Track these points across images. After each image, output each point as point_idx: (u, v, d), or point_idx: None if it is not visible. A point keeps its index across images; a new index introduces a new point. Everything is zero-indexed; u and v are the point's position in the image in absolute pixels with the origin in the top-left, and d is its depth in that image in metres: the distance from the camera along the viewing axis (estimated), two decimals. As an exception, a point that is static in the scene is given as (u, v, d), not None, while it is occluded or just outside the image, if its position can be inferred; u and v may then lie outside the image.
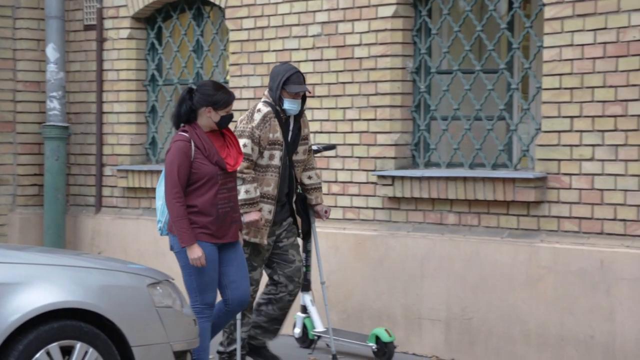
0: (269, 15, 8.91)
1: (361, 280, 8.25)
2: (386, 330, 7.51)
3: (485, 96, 7.88)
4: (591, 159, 7.22)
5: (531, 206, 7.48)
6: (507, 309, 7.51)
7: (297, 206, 7.22)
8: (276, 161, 6.98)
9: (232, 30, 9.17)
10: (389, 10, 8.18)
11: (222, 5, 9.22)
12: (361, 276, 8.25)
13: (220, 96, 6.48)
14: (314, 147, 7.71)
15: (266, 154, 6.96)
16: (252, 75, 9.05)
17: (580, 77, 7.25)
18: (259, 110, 6.98)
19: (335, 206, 8.44)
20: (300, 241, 7.35)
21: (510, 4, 7.77)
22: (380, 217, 8.30)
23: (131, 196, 9.98)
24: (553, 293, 7.29)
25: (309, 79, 8.22)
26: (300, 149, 7.15)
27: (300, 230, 7.27)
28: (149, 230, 9.59)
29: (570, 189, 7.32)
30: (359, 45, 8.36)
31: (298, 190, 7.22)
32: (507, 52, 7.88)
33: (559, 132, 7.38)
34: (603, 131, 7.17)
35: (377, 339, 7.47)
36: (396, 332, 7.80)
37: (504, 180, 7.56)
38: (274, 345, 7.48)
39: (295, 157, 7.12)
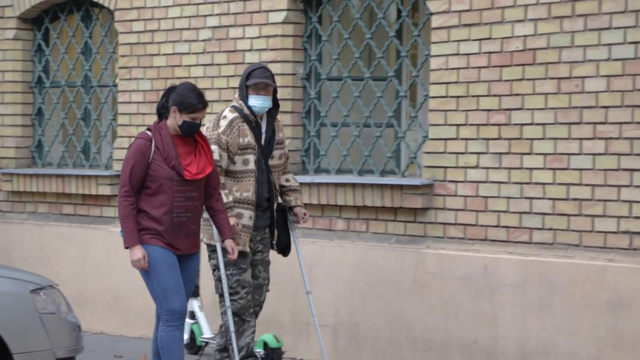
0: (159, 19, 8.97)
1: (250, 286, 8.37)
2: (274, 336, 7.63)
3: (374, 103, 8.07)
4: (476, 167, 7.46)
5: (418, 213, 7.69)
6: (394, 315, 7.70)
7: (277, 217, 7.08)
8: (251, 166, 6.88)
9: (122, 33, 9.20)
10: (279, 16, 8.32)
11: (111, 8, 9.25)
12: (250, 282, 8.37)
13: (189, 100, 6.33)
14: None
15: (238, 159, 6.86)
16: (142, 79, 9.09)
17: (466, 85, 7.49)
18: (224, 117, 6.88)
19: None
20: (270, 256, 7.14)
21: (399, 12, 7.98)
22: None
23: (16, 200, 9.92)
24: (438, 298, 7.51)
25: (200, 84, 8.30)
26: (276, 153, 7.04)
27: (274, 242, 7.10)
28: (34, 235, 9.56)
29: (455, 196, 7.55)
30: (250, 50, 8.48)
31: (278, 200, 7.10)
32: (395, 60, 8.08)
33: (445, 139, 7.61)
34: (487, 139, 7.42)
35: (265, 345, 7.59)
36: (284, 338, 7.93)
37: (392, 187, 7.76)
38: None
39: (271, 162, 7.01)
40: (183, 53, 8.84)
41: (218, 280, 6.94)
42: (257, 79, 6.86)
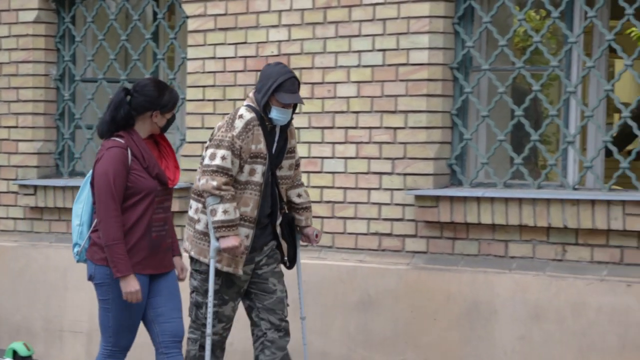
0: None
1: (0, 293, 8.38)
2: (24, 344, 7.66)
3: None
4: (232, 170, 7.74)
5: (175, 216, 7.89)
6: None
7: (283, 229, 6.37)
8: (257, 177, 6.12)
9: None
10: (30, 15, 8.35)
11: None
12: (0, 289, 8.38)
13: (167, 98, 5.78)
14: None
15: (246, 168, 6.10)
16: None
17: (223, 89, 7.76)
18: (241, 117, 6.10)
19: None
20: (283, 269, 6.46)
21: (155, 14, 8.18)
22: (21, 228, 8.45)
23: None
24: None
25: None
26: (286, 163, 6.29)
27: (286, 258, 6.40)
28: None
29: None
30: None
31: (284, 211, 6.40)
32: (152, 62, 8.27)
33: (202, 142, 7.84)
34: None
35: (15, 354, 7.61)
36: (36, 346, 7.97)
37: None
38: None
39: (279, 173, 6.27)
40: None
41: (195, 305, 6.25)
42: (289, 95, 6.10)
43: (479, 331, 6.72)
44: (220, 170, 6.00)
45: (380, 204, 7.19)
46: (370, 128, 7.18)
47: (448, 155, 7.05)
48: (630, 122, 6.48)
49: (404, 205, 7.06)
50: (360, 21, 7.19)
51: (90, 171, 5.89)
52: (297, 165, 6.40)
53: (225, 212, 5.99)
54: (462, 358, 6.79)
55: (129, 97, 5.78)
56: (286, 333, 6.28)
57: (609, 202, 6.35)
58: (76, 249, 5.83)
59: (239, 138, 6.04)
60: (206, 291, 6.15)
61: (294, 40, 7.46)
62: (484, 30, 6.95)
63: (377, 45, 7.14)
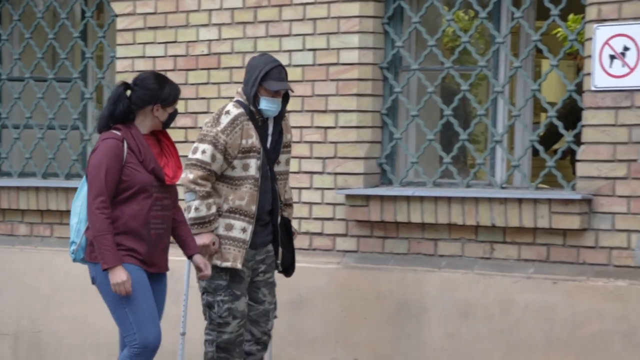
0: None
1: None
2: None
3: (58, 105, 8.21)
4: (162, 170, 7.78)
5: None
6: (79, 320, 7.89)
7: (281, 232, 6.28)
8: (252, 171, 6.05)
9: None
10: (-45, 13, 8.34)
11: None
12: None
13: (168, 90, 5.69)
14: None
15: (239, 163, 6.04)
16: None
17: (152, 88, 7.79)
18: (227, 112, 6.05)
19: None
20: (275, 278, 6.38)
21: (83, 13, 8.18)
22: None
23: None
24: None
25: None
26: (283, 157, 6.23)
27: (279, 261, 6.30)
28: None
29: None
30: None
31: (282, 211, 6.31)
32: (80, 61, 8.27)
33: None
34: (175, 142, 7.73)
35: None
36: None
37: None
38: None
39: (277, 168, 6.20)
40: None
41: (207, 306, 6.15)
42: (277, 82, 6.07)
43: (408, 329, 6.82)
44: (198, 164, 5.97)
45: (311, 204, 7.26)
46: (301, 127, 7.25)
47: (378, 155, 7.15)
48: (556, 122, 6.63)
49: (334, 204, 7.15)
50: (291, 21, 7.26)
51: None
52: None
53: (196, 209, 5.95)
54: (392, 356, 6.90)
55: (129, 92, 5.70)
56: (264, 347, 6.28)
57: (535, 201, 6.50)
58: (72, 247, 5.74)
59: (224, 133, 5.98)
60: (215, 289, 6.07)
61: (224, 39, 7.51)
62: (413, 30, 7.07)
63: (308, 44, 7.22)
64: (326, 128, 7.17)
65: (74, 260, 5.78)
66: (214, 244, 5.96)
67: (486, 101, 7.05)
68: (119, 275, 5.48)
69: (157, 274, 5.73)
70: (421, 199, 6.84)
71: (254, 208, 6.07)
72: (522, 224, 6.55)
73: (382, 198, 6.95)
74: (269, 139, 6.15)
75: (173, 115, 5.78)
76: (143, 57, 7.81)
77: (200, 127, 7.56)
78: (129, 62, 7.85)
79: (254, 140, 6.05)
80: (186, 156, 6.09)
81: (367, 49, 7.05)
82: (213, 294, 6.10)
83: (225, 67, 7.51)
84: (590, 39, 6.35)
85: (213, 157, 5.97)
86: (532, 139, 6.72)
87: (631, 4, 6.22)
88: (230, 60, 7.49)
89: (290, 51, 7.29)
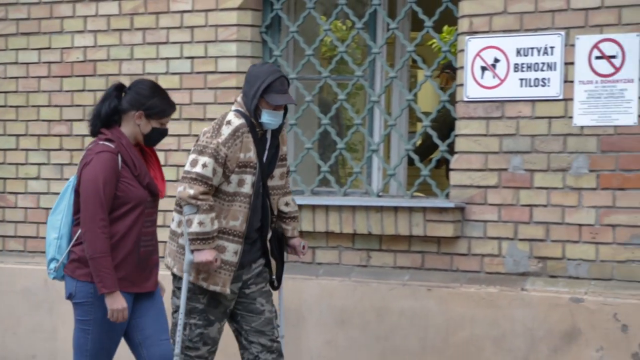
0: None
1: None
2: None
3: None
4: (37, 178, 7.80)
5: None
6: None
7: (272, 246, 6.04)
8: (246, 188, 5.76)
9: None
10: None
11: None
12: None
13: (157, 101, 5.42)
14: None
15: (234, 178, 5.74)
16: None
17: (26, 95, 7.81)
18: (228, 123, 5.72)
19: None
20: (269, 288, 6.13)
21: (-45, 17, 8.15)
22: None
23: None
24: (-3, 314, 7.77)
25: None
26: (277, 172, 5.95)
27: (274, 277, 6.07)
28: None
29: (16, 207, 7.84)
30: None
31: (274, 225, 6.04)
32: (-48, 67, 8.23)
33: (4, 150, 7.87)
34: (49, 150, 7.78)
35: None
36: None
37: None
38: None
39: (270, 183, 5.93)
40: None
41: (175, 324, 5.86)
42: (280, 96, 5.76)
43: (287, 337, 6.94)
44: (199, 179, 5.67)
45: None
46: (179, 135, 7.34)
47: (256, 163, 7.26)
48: (431, 132, 6.86)
49: (212, 213, 7.24)
50: (168, 28, 7.36)
51: (71, 178, 5.50)
52: (288, 172, 6.11)
53: (200, 223, 5.66)
54: (270, 364, 7.02)
55: (123, 94, 5.49)
56: (279, 354, 6.01)
57: (410, 209, 6.71)
58: (53, 265, 5.41)
59: (225, 145, 5.69)
60: (190, 311, 5.83)
61: (100, 46, 7.57)
62: (291, 39, 7.23)
63: (185, 52, 7.32)
64: (204, 136, 7.26)
65: (54, 278, 5.45)
66: (216, 260, 5.71)
67: (363, 111, 7.24)
68: (119, 302, 5.26)
69: (149, 293, 5.50)
70: (299, 207, 6.98)
71: (244, 227, 5.82)
72: (397, 232, 6.75)
73: (259, 206, 7.07)
74: (266, 153, 5.88)
75: (158, 132, 5.47)
76: (16, 63, 7.82)
77: (68, 135, 7.65)
78: (1, 68, 7.86)
79: (251, 154, 5.78)
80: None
81: (245, 57, 7.18)
82: (187, 315, 5.85)
83: (101, 75, 7.57)
84: (462, 50, 6.60)
85: (214, 171, 5.68)
86: (408, 148, 6.94)
87: (501, 17, 6.48)
88: (107, 68, 7.55)
89: (167, 59, 7.38)
